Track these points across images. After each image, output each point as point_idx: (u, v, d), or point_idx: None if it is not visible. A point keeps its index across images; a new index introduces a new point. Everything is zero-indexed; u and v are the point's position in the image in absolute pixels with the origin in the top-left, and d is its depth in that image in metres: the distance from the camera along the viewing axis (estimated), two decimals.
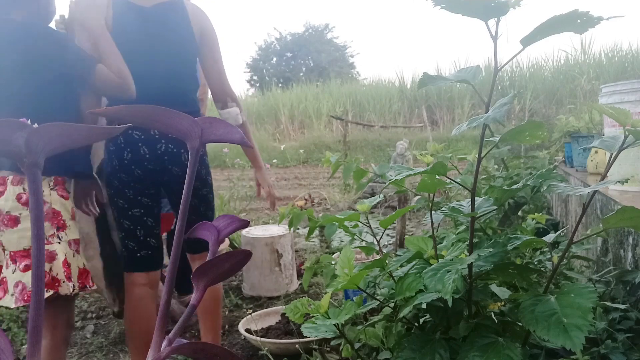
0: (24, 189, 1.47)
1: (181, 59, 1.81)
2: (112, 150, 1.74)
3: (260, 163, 2.06)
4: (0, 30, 1.51)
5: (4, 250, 1.49)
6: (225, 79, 1.90)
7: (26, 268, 1.44)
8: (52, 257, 1.50)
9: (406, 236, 1.79)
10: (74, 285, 1.56)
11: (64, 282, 1.52)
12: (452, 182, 1.13)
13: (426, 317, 1.25)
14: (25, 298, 1.44)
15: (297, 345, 1.89)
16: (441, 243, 1.35)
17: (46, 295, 1.43)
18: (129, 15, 1.72)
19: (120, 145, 1.73)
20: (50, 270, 1.48)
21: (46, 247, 1.45)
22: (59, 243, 1.54)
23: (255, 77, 29.47)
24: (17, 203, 1.48)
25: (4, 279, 1.48)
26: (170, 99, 1.75)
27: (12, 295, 1.45)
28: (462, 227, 1.79)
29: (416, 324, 1.26)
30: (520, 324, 0.97)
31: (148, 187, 1.79)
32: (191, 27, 1.80)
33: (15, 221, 1.47)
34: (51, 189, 1.55)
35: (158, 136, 1.73)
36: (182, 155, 1.76)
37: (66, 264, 1.54)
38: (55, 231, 1.54)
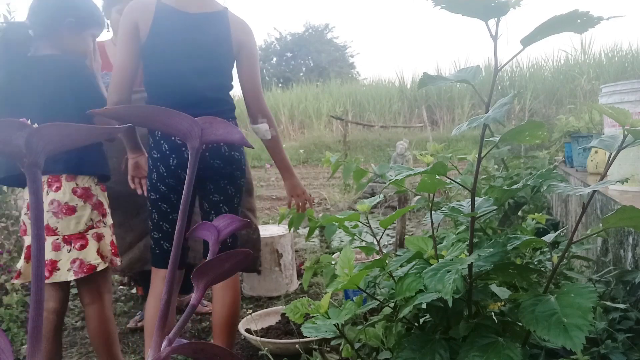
0: (76, 184, 1.79)
1: (216, 67, 1.83)
2: (157, 158, 1.79)
3: (292, 171, 2.04)
4: (49, 64, 1.79)
5: (55, 234, 1.78)
6: (260, 95, 1.93)
7: (81, 247, 1.79)
8: (100, 238, 1.85)
9: (406, 236, 1.79)
10: (120, 260, 1.95)
11: (110, 258, 1.88)
12: (452, 182, 1.13)
13: (426, 317, 1.25)
14: (85, 270, 1.77)
15: (297, 345, 1.89)
16: (441, 243, 1.35)
17: (100, 268, 1.81)
18: (170, 20, 1.77)
19: (165, 153, 1.78)
20: (99, 249, 1.83)
21: (95, 230, 1.82)
22: (104, 227, 1.87)
23: None
24: (73, 195, 1.79)
25: (52, 260, 1.76)
26: (202, 105, 1.78)
27: (69, 270, 1.76)
28: (462, 227, 1.79)
29: (416, 324, 1.26)
30: (520, 324, 0.97)
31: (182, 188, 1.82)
32: (230, 39, 1.83)
33: (72, 210, 1.79)
34: (95, 184, 1.86)
35: None
36: (221, 148, 1.81)
37: (113, 244, 1.90)
38: (101, 217, 1.86)
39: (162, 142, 1.77)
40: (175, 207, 1.83)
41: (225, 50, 1.84)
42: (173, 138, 1.77)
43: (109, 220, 1.92)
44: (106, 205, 1.90)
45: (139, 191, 2.01)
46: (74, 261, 1.78)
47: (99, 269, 1.80)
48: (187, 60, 1.78)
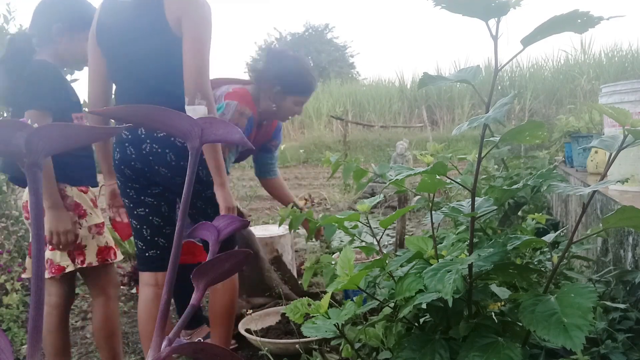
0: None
1: (150, 53, 1.67)
2: (113, 152, 1.78)
3: (223, 178, 1.70)
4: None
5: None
6: (203, 71, 1.62)
7: (52, 248, 1.82)
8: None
9: (406, 236, 1.79)
10: (84, 260, 1.89)
11: (89, 261, 1.88)
12: (452, 182, 1.13)
13: (426, 317, 1.25)
14: (54, 271, 1.82)
15: (297, 345, 1.88)
16: (441, 243, 1.35)
17: (69, 269, 1.83)
18: (110, 12, 1.69)
19: (113, 146, 1.75)
20: (72, 250, 1.86)
21: None
22: (80, 228, 1.87)
23: None
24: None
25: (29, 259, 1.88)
26: (141, 98, 1.67)
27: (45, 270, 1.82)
28: (462, 227, 1.79)
29: (416, 324, 1.26)
30: (520, 324, 0.97)
31: (150, 187, 1.77)
32: (164, 15, 1.62)
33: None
34: (73, 185, 1.87)
35: (144, 136, 1.68)
36: (167, 156, 1.68)
37: (80, 245, 1.88)
38: (77, 219, 1.86)
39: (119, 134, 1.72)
40: (137, 202, 1.77)
41: (159, 30, 1.64)
42: (124, 133, 1.69)
43: (92, 220, 1.90)
44: (86, 206, 1.89)
45: (118, 219, 1.97)
46: (46, 261, 1.81)
47: (67, 270, 1.82)
48: (124, 51, 1.68)
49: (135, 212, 1.78)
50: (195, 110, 1.61)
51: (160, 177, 1.73)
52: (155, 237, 1.80)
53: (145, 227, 1.79)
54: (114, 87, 1.81)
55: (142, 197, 1.77)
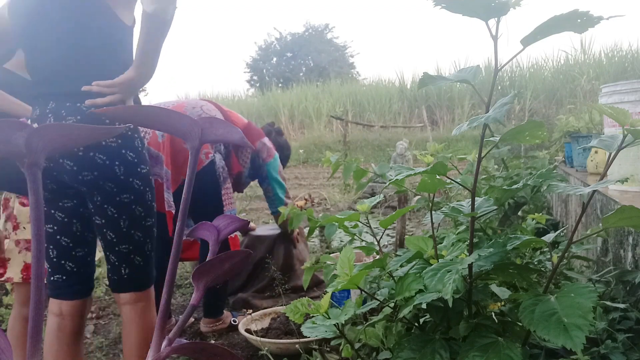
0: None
1: (81, 26, 1.39)
2: None
3: (141, 67, 1.42)
4: None
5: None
6: None
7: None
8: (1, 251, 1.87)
9: (406, 236, 1.79)
10: (3, 274, 1.87)
11: (8, 276, 1.85)
12: (452, 182, 1.13)
13: (426, 317, 1.25)
14: None
15: (297, 345, 1.88)
16: (441, 243, 1.35)
17: None
18: None
19: None
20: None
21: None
22: (7, 239, 1.86)
23: (255, 77, 29.47)
24: None
25: None
26: (51, 82, 1.40)
27: None
28: (462, 227, 1.79)
29: (416, 324, 1.26)
30: (520, 324, 0.97)
31: (60, 198, 1.48)
32: None
33: None
34: (17, 196, 1.88)
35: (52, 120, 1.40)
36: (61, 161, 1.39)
37: (3, 259, 1.86)
38: (12, 231, 1.86)
39: None
40: (46, 215, 1.47)
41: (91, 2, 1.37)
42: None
43: (24, 235, 1.86)
44: (21, 219, 1.86)
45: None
46: None
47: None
48: (46, 27, 1.39)
49: (45, 228, 1.43)
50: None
51: (67, 175, 1.39)
52: (62, 260, 1.51)
53: (51, 247, 1.50)
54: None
55: (52, 211, 1.49)
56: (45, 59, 1.41)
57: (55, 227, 1.49)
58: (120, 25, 1.43)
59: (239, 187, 2.74)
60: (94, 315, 2.89)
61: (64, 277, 1.53)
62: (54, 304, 1.53)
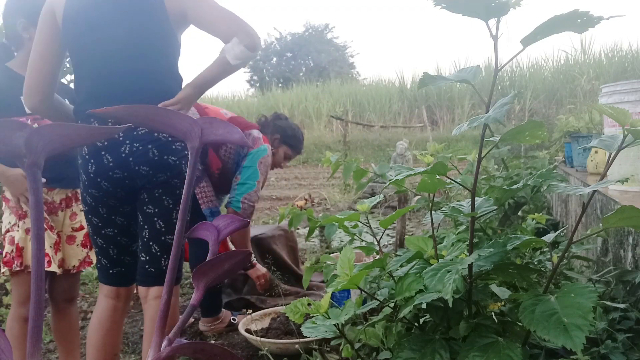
0: None
1: (146, 47, 1.51)
2: (80, 164, 1.56)
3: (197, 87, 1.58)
4: None
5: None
6: (231, 15, 1.52)
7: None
8: (12, 241, 1.88)
9: (406, 236, 1.79)
10: (22, 263, 1.90)
11: (26, 264, 1.88)
12: (452, 182, 1.13)
13: (426, 317, 1.25)
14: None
15: (297, 345, 1.89)
16: (441, 243, 1.35)
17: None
18: (80, 2, 1.51)
19: (85, 157, 1.53)
20: (12, 251, 1.86)
21: (9, 234, 1.86)
22: (18, 231, 1.87)
23: (255, 77, 29.49)
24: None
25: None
26: (126, 99, 1.49)
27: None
28: (462, 227, 1.79)
29: (416, 324, 1.26)
30: (520, 324, 0.97)
31: (123, 204, 1.60)
32: (164, 5, 1.49)
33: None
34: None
35: (122, 138, 1.49)
36: (149, 152, 1.50)
37: (19, 248, 1.88)
38: (17, 221, 1.88)
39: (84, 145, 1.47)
40: (107, 221, 1.61)
41: (156, 18, 1.49)
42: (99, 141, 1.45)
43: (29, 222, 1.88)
44: (27, 208, 1.85)
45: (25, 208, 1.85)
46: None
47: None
48: (105, 48, 1.50)
49: (103, 232, 1.63)
50: (234, 50, 1.48)
51: (141, 179, 1.53)
52: (122, 255, 1.68)
53: (112, 246, 1.66)
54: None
55: (113, 217, 1.62)
56: (111, 81, 1.52)
57: (116, 230, 1.64)
58: (178, 46, 1.60)
59: (227, 183, 2.54)
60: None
61: (123, 269, 1.69)
62: (110, 290, 1.68)
